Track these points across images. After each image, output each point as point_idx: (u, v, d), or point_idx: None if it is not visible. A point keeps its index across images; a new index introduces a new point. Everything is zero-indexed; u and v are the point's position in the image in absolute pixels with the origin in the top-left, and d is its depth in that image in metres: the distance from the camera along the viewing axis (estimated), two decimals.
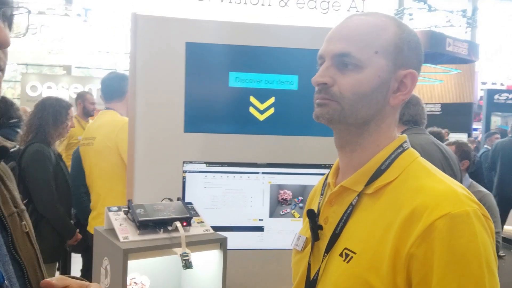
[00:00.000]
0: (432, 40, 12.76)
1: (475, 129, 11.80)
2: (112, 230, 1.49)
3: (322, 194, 1.03)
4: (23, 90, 12.92)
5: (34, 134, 2.82)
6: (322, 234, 0.94)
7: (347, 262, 0.85)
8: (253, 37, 1.89)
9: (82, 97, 4.63)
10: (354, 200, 0.90)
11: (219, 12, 1.79)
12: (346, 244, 0.87)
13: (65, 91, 12.17)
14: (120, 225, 1.49)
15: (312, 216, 0.97)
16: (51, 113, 2.88)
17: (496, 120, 8.67)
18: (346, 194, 0.92)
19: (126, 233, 1.45)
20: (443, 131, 8.34)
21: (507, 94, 8.40)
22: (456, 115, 11.39)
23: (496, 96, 8.27)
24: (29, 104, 11.24)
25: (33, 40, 10.23)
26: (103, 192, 2.70)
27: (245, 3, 1.79)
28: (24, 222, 0.86)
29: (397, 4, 14.89)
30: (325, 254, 0.90)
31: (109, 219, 1.52)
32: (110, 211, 1.54)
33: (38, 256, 0.87)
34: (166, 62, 1.84)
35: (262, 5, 1.79)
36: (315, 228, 0.95)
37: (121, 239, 1.42)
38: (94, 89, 13.45)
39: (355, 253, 0.85)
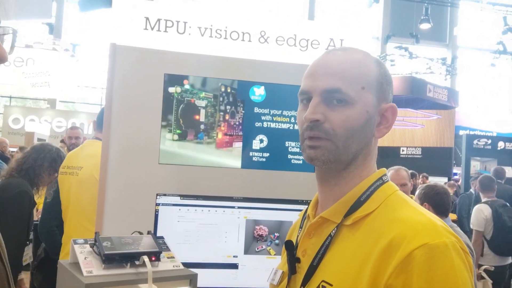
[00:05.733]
0: (413, 86, 13.18)
1: (455, 174, 11.98)
2: (76, 264, 1.42)
3: (301, 227, 1.01)
4: (5, 122, 12.79)
5: (24, 172, 2.71)
6: (300, 267, 0.92)
7: None
8: (232, 71, 1.90)
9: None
10: (333, 231, 0.88)
11: (200, 46, 1.81)
12: (324, 277, 0.85)
13: (48, 125, 12.07)
14: (85, 258, 1.42)
15: (290, 247, 0.94)
16: (48, 159, 2.79)
17: (476, 165, 8.83)
18: (325, 225, 0.91)
19: (91, 267, 1.38)
20: (421, 176, 8.43)
21: (485, 140, 8.60)
22: (436, 159, 11.60)
23: (475, 141, 8.45)
24: (11, 136, 11.10)
25: (18, 73, 10.23)
26: (82, 226, 2.50)
27: (225, 38, 1.82)
28: None
29: (379, 50, 15.41)
30: (302, 287, 0.87)
31: (74, 252, 1.45)
32: (75, 243, 1.47)
33: (8, 274, 0.86)
34: (144, 93, 1.83)
35: (242, 40, 1.81)
36: (293, 260, 0.93)
37: (85, 273, 1.34)
38: (78, 123, 13.42)
39: (331, 285, 0.82)
